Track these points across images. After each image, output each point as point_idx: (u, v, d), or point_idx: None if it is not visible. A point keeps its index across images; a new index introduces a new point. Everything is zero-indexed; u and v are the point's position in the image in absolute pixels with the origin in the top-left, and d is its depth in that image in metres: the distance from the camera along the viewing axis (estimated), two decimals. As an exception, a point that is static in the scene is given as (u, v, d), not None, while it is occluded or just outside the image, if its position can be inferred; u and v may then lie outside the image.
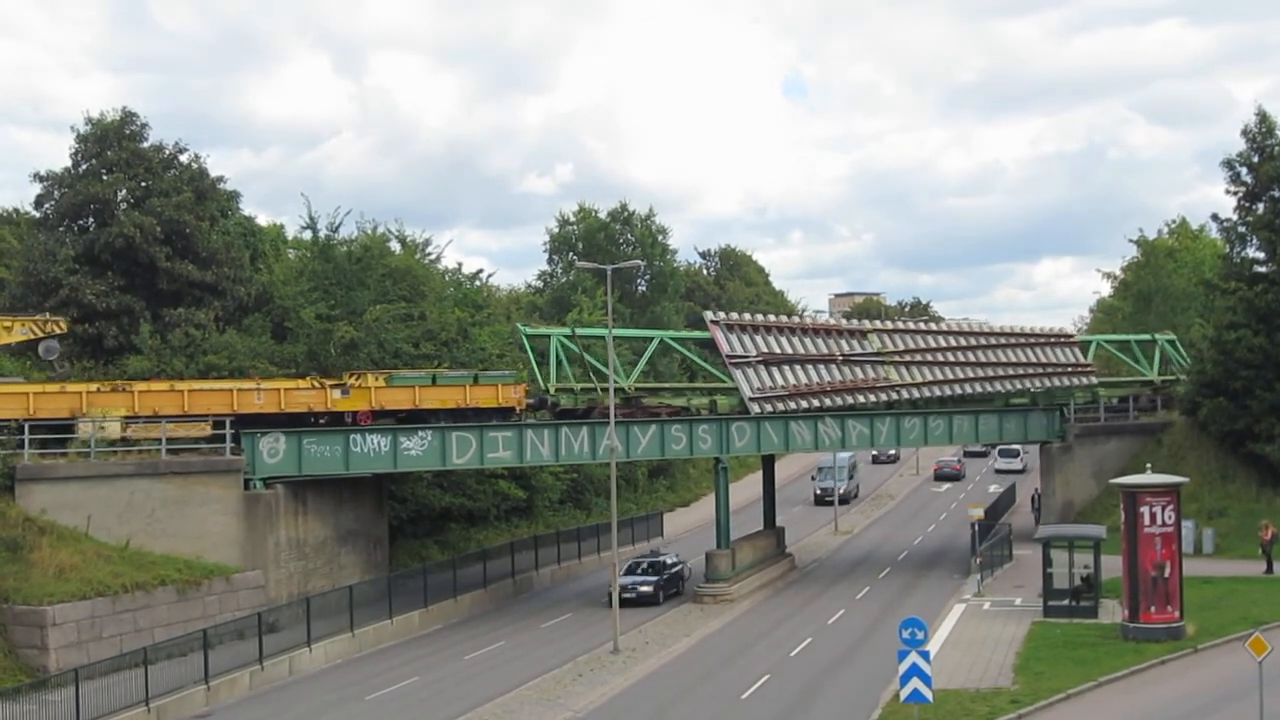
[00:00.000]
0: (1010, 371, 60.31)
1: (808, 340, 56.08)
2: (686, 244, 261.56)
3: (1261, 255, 59.64)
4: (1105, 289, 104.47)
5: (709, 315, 55.51)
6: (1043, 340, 62.26)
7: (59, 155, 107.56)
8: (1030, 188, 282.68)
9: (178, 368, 50.78)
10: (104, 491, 41.27)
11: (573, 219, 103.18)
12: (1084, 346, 64.40)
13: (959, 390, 59.18)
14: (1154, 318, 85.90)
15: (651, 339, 59.85)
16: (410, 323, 59.03)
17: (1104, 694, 32.12)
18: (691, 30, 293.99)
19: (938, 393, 58.59)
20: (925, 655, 27.21)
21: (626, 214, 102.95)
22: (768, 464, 61.70)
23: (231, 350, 53.06)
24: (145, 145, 58.27)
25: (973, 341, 60.52)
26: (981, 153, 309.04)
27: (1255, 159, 58.89)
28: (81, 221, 57.56)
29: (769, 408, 53.42)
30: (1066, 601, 41.66)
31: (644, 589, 50.42)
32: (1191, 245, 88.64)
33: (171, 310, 54.73)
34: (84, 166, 57.47)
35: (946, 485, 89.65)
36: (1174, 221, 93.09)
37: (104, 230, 55.17)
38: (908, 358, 58.09)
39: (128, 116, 58.19)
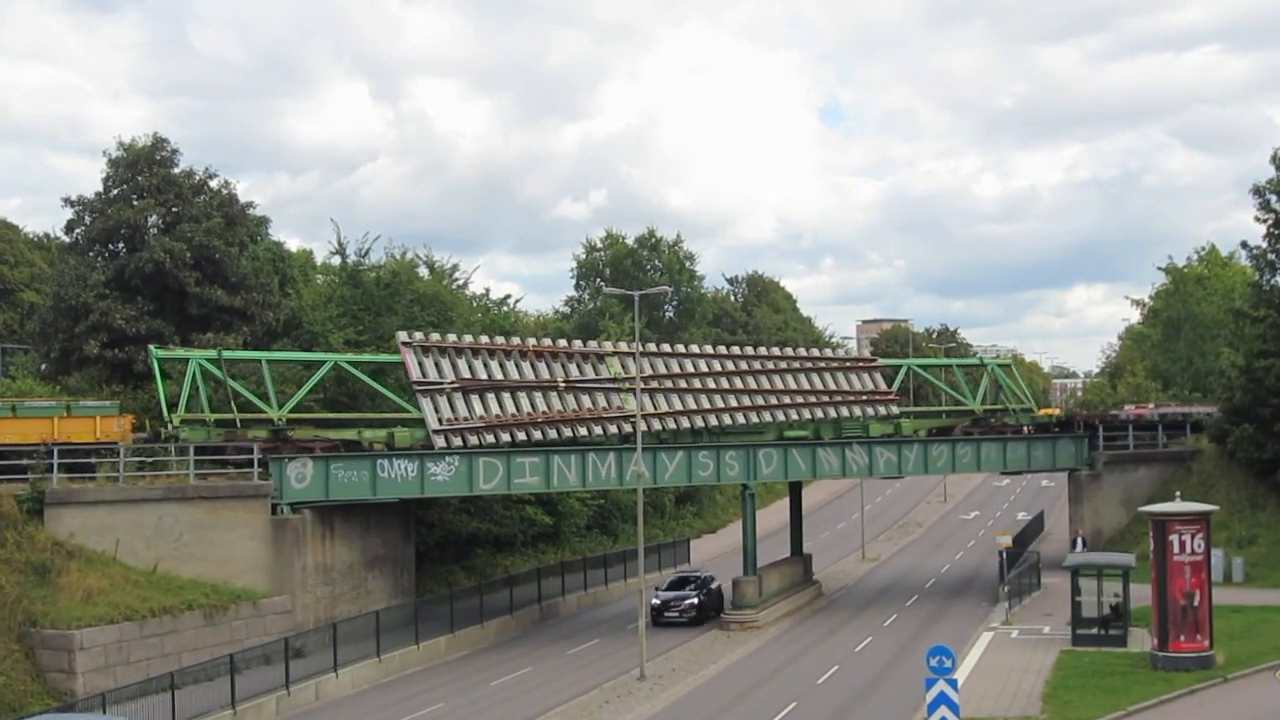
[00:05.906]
0: (787, 400, 55.01)
1: (525, 365, 50.28)
2: (719, 270, 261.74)
3: (1291, 282, 59.24)
4: (1134, 316, 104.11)
5: (401, 336, 49.42)
6: (835, 365, 57.55)
7: (95, 180, 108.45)
8: (1065, 214, 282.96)
9: (206, 393, 50.91)
10: (132, 516, 41.38)
11: (600, 245, 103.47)
12: (889, 372, 60.14)
13: (716, 421, 53.37)
14: (1183, 345, 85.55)
15: (324, 363, 50.66)
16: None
17: (1133, 724, 31.91)
18: (729, 56, 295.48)
19: (687, 424, 52.52)
20: (953, 683, 27.01)
21: (654, 240, 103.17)
22: (795, 490, 61.54)
23: (259, 376, 53.17)
24: (176, 171, 58.71)
25: (741, 366, 55.12)
26: (1017, 179, 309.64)
27: (1286, 186, 58.48)
28: (112, 246, 58.01)
29: (458, 441, 47.55)
30: (1095, 630, 41.31)
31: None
32: (1221, 272, 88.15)
33: (200, 335, 54.99)
34: (115, 191, 57.94)
35: (975, 513, 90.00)
36: (1204, 248, 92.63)
37: (134, 255, 55.58)
38: (652, 384, 51.99)
39: (159, 142, 58.68)
